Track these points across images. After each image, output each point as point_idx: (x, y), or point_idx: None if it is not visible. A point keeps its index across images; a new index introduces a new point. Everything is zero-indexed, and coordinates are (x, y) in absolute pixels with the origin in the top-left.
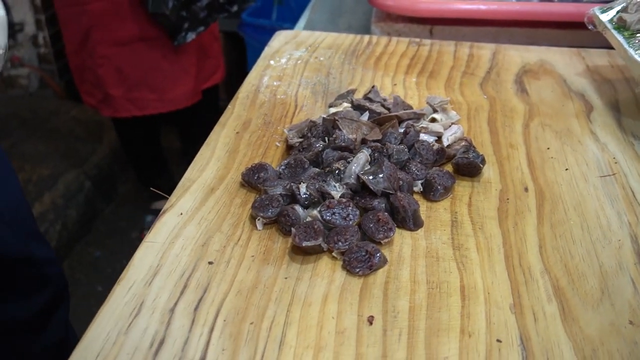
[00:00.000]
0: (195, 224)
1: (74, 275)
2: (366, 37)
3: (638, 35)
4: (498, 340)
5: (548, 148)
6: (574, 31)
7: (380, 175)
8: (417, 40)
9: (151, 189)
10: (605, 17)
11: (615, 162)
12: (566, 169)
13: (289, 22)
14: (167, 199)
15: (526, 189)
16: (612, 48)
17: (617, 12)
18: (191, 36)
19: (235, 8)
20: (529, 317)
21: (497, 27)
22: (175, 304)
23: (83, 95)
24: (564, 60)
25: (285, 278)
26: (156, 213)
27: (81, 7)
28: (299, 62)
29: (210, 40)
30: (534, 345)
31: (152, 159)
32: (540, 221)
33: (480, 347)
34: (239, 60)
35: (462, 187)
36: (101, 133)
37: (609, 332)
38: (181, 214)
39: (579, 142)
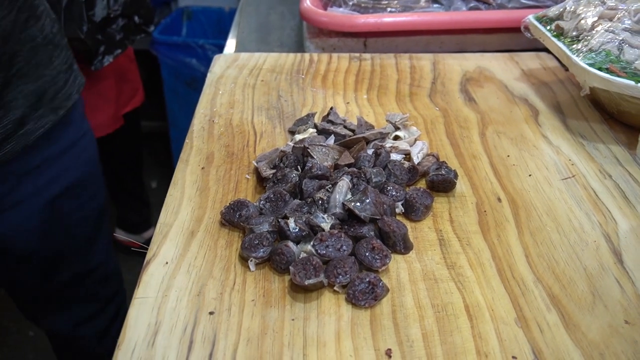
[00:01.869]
0: (184, 272)
1: (2, 323)
2: (307, 56)
3: (576, 42)
4: (513, 357)
5: (508, 155)
6: (501, 35)
7: (367, 201)
8: (357, 55)
9: (132, 249)
10: (543, 26)
11: (572, 164)
12: (529, 175)
13: (201, 37)
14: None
15: (499, 199)
16: (538, 50)
17: (553, 20)
18: (108, 59)
19: (152, 28)
20: (535, 330)
21: (428, 36)
22: None
23: None
24: (500, 66)
25: (292, 320)
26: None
27: None
28: (246, 87)
29: (127, 62)
30: (546, 358)
31: None
32: (520, 230)
33: None
34: (154, 79)
35: (440, 204)
36: None
37: (609, 334)
38: (167, 263)
39: (534, 147)
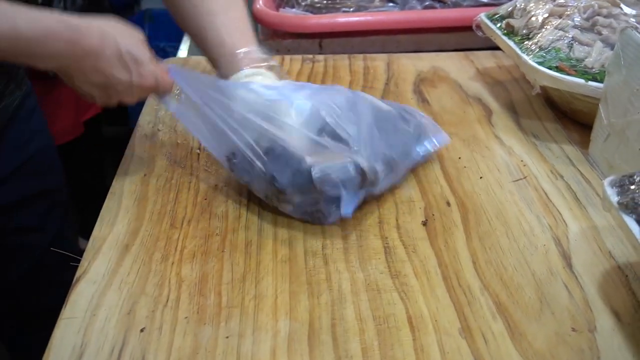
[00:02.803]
0: (116, 289)
1: None
2: None
3: (526, 40)
4: None
5: (459, 157)
6: (458, 34)
7: None
8: (310, 56)
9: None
10: (494, 24)
11: (524, 165)
12: (480, 177)
13: (163, 40)
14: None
15: (448, 203)
16: (495, 49)
17: (504, 17)
18: None
19: None
20: (479, 340)
21: (384, 36)
22: None
23: None
24: (455, 65)
25: (227, 337)
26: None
27: None
28: None
29: None
30: None
31: None
32: (468, 235)
33: None
34: None
35: (387, 210)
36: None
37: (555, 343)
38: (97, 280)
39: (486, 147)
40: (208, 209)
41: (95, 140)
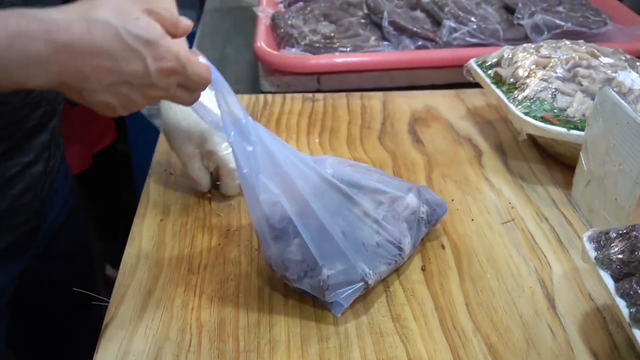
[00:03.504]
0: (142, 335)
1: None
2: (261, 97)
3: (514, 90)
4: None
5: (452, 200)
6: (449, 70)
7: None
8: (310, 96)
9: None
10: (483, 72)
11: (512, 207)
12: (472, 220)
13: None
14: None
15: (443, 247)
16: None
17: (492, 66)
18: None
19: None
20: None
21: (379, 72)
22: None
23: None
24: (446, 104)
25: None
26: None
27: None
28: None
29: None
30: None
31: None
32: (461, 278)
33: None
34: None
35: None
36: None
37: None
38: (124, 327)
39: (477, 189)
40: (222, 254)
41: (109, 173)
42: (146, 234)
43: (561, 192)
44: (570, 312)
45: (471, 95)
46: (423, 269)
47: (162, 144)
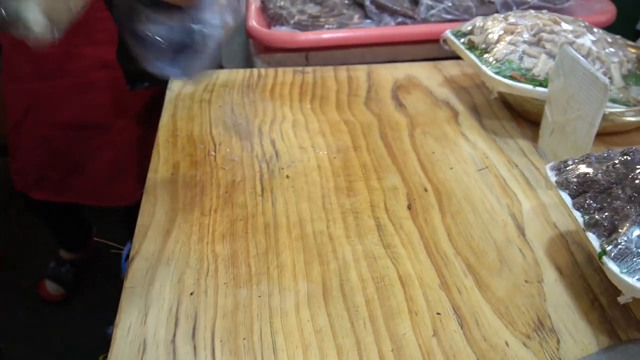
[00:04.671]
0: (164, 265)
1: None
2: (255, 71)
3: (485, 53)
4: (438, 313)
5: (433, 152)
6: (427, 45)
7: None
8: (300, 69)
9: (112, 250)
10: (458, 40)
11: (486, 157)
12: (451, 168)
13: None
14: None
15: (426, 189)
16: (459, 58)
17: (466, 34)
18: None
19: None
20: (455, 292)
21: (363, 48)
22: (174, 335)
23: (13, 176)
24: (426, 74)
25: (259, 296)
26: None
27: (23, 85)
28: (202, 102)
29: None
30: (464, 312)
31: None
32: (443, 214)
33: (427, 321)
34: None
35: (377, 196)
36: None
37: (512, 291)
38: (148, 258)
39: (454, 143)
40: (230, 199)
41: None
42: (160, 185)
43: (529, 144)
44: (538, 238)
45: (448, 66)
46: (409, 207)
47: (167, 109)
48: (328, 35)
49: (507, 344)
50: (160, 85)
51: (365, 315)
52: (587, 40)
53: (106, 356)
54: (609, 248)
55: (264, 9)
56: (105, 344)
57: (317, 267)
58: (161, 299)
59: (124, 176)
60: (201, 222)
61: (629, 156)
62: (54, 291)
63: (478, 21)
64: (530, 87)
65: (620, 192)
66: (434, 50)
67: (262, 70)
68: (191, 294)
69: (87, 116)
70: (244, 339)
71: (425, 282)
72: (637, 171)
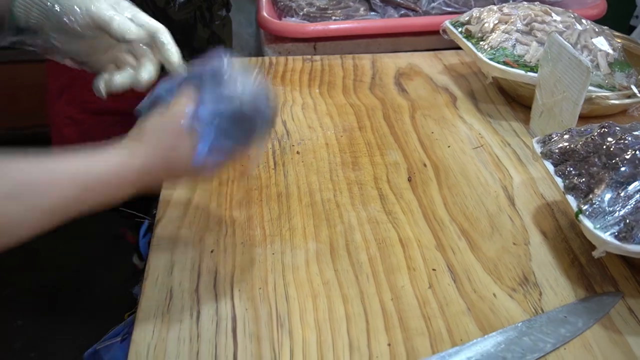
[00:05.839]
0: (187, 227)
1: None
2: (267, 59)
3: (481, 41)
4: (433, 269)
5: (432, 132)
6: (428, 37)
7: None
8: (309, 57)
9: (136, 219)
10: (456, 29)
11: (481, 137)
12: (449, 146)
13: None
14: (138, 216)
15: (425, 165)
16: (459, 49)
17: (463, 24)
18: None
19: None
20: (449, 252)
21: (367, 39)
22: (197, 285)
23: None
24: (426, 63)
25: (273, 254)
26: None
27: (58, 65)
28: None
29: None
30: (457, 269)
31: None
32: (440, 186)
33: (423, 276)
34: None
35: (380, 170)
36: None
37: (502, 252)
38: (172, 221)
39: (452, 125)
40: (245, 172)
41: None
42: None
43: (522, 125)
44: (526, 207)
45: (448, 56)
46: (409, 180)
47: None
48: (335, 26)
49: (494, 295)
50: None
51: (368, 270)
52: (575, 30)
53: (132, 313)
54: (584, 207)
55: (274, 1)
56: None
57: (325, 229)
58: (185, 255)
59: None
60: (219, 191)
61: (605, 129)
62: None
63: (475, 12)
64: (522, 72)
65: (596, 159)
66: (434, 41)
67: (274, 58)
68: (211, 251)
69: (119, 103)
70: (260, 288)
71: (423, 244)
72: (611, 141)
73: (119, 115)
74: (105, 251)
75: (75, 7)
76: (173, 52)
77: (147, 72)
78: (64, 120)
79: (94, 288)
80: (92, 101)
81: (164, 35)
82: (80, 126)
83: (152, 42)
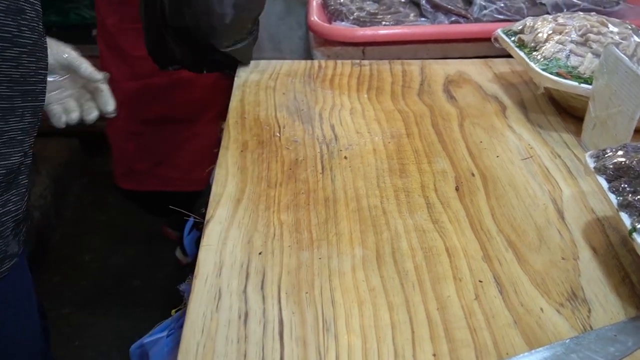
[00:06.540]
0: (236, 228)
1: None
2: (316, 62)
3: (534, 51)
4: (480, 281)
5: (481, 141)
6: (478, 44)
7: None
8: (358, 61)
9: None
10: (508, 38)
11: (531, 148)
12: (497, 156)
13: None
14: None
15: (473, 174)
16: (509, 57)
17: (516, 33)
18: None
19: None
20: (496, 263)
21: (416, 45)
22: (245, 286)
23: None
24: (476, 70)
25: (320, 258)
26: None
27: (114, 84)
28: (267, 88)
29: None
30: (504, 281)
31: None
32: (488, 196)
33: (469, 287)
34: None
35: (427, 178)
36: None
37: (550, 266)
38: (221, 221)
39: (501, 134)
40: (293, 175)
41: None
42: (231, 160)
43: (573, 137)
44: (576, 221)
45: (498, 64)
46: (457, 189)
47: (236, 94)
48: (384, 31)
49: (542, 309)
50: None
51: (414, 279)
52: (633, 41)
53: (178, 309)
54: (639, 226)
55: (324, 5)
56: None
57: (371, 236)
58: (233, 256)
59: (208, 162)
60: (268, 193)
61: None
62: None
63: (528, 21)
64: (575, 83)
65: None
66: (484, 48)
67: (322, 62)
68: (259, 253)
69: (176, 111)
70: (306, 293)
71: (469, 254)
72: None
73: (176, 123)
74: (149, 249)
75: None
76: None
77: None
78: (127, 136)
79: (138, 283)
80: (147, 113)
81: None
82: (138, 138)
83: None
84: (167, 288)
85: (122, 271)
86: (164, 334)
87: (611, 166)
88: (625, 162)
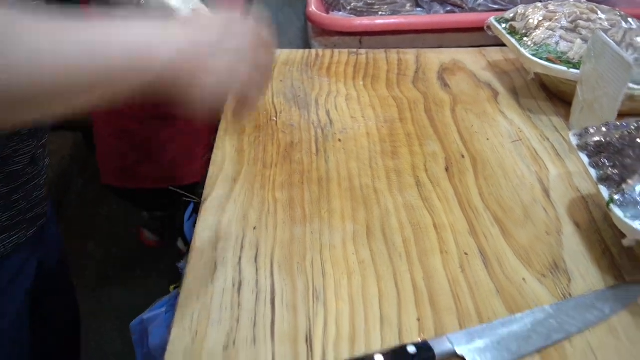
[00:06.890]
0: (232, 203)
1: None
2: (313, 51)
3: (524, 38)
4: (465, 253)
5: (472, 125)
6: (473, 33)
7: None
8: (355, 50)
9: (184, 198)
10: (500, 25)
11: (520, 131)
12: (487, 139)
13: None
14: (187, 196)
15: (463, 156)
16: (503, 46)
17: (508, 20)
18: None
19: None
20: (482, 238)
21: (413, 34)
22: (240, 258)
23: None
24: (470, 59)
25: (312, 233)
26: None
27: None
28: None
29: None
30: (489, 254)
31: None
32: (476, 177)
33: (455, 259)
34: None
35: (418, 159)
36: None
37: (534, 240)
38: (218, 199)
39: (493, 119)
40: (288, 157)
41: None
42: (228, 143)
43: (562, 121)
44: (561, 199)
45: (491, 52)
46: (447, 169)
47: None
48: (381, 21)
49: (524, 279)
50: None
51: (402, 251)
52: (621, 28)
53: (177, 286)
54: (616, 197)
55: None
56: (176, 275)
57: (362, 212)
58: (229, 231)
59: (190, 160)
60: (263, 173)
61: None
62: (150, 238)
63: (520, 9)
64: (564, 68)
65: (631, 152)
66: (479, 38)
67: (320, 51)
68: (254, 228)
69: (166, 107)
70: (298, 263)
71: (457, 229)
72: None
73: (163, 119)
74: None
75: None
76: None
77: None
78: (116, 132)
79: (139, 273)
80: (138, 111)
81: None
82: (128, 135)
83: None
84: (169, 277)
85: (125, 263)
86: (163, 309)
87: (592, 143)
88: (606, 139)
